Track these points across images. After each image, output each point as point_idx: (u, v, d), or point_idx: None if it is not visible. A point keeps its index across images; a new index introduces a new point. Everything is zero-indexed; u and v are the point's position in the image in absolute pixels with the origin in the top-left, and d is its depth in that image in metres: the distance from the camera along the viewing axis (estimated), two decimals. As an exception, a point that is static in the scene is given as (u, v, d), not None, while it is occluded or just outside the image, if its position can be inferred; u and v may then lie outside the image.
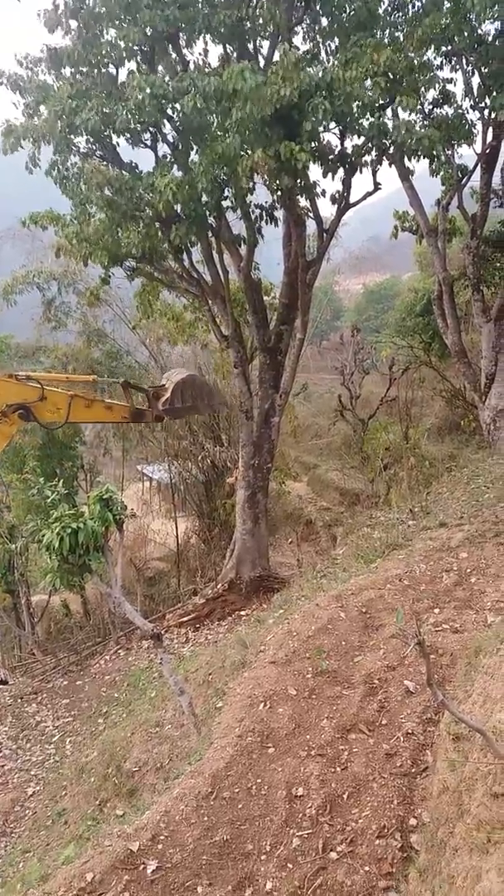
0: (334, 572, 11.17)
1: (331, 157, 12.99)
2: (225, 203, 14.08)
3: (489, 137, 16.10)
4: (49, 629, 23.42)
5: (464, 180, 17.00)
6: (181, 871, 4.75)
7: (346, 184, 14.16)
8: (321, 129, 11.78)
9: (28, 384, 8.76)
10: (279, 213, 15.09)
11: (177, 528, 24.90)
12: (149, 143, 13.78)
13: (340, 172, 13.45)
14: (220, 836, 4.99)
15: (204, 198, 12.49)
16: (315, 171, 13.76)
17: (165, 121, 13.23)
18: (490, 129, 15.97)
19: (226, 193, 13.44)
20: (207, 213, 13.55)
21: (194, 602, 16.10)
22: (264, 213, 14.81)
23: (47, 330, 24.07)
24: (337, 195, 14.44)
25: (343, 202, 14.52)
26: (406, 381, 28.45)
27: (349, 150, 13.17)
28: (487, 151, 16.27)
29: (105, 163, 13.14)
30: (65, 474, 20.39)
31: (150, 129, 13.45)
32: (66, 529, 6.78)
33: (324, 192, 14.28)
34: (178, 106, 11.77)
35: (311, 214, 14.88)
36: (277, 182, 12.64)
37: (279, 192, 13.81)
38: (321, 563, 13.58)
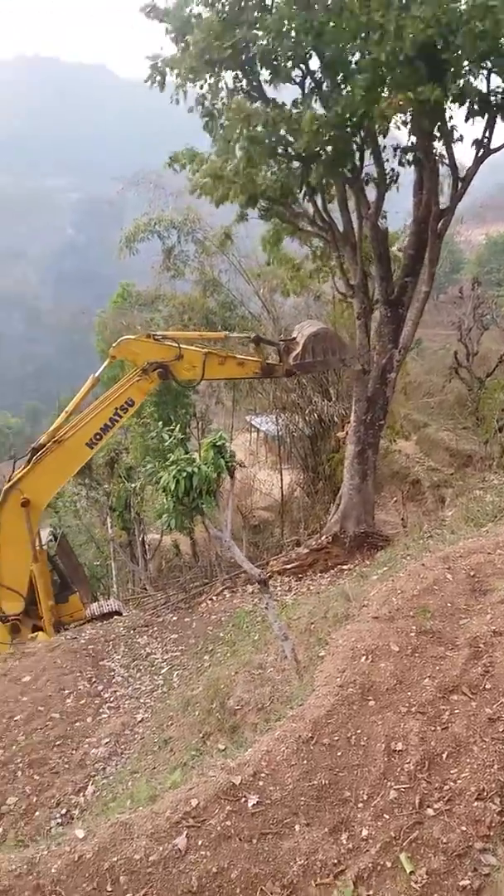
0: (442, 534, 10.98)
1: (476, 100, 12.13)
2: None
3: None
4: (160, 567, 24.61)
5: None
6: (280, 809, 4.96)
7: (490, 128, 13.21)
8: (465, 68, 10.97)
9: (166, 343, 9.04)
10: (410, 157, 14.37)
11: (282, 479, 25.20)
12: (296, 79, 13.33)
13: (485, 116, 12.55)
14: (318, 781, 5.16)
15: (345, 137, 12.08)
16: (457, 115, 12.82)
17: (312, 53, 12.72)
18: None
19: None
20: (347, 153, 13.10)
21: (298, 551, 16.32)
22: (401, 155, 14.14)
23: (166, 278, 24.57)
24: (478, 141, 13.53)
25: (484, 149, 13.58)
26: (529, 339, 26.95)
27: (500, 92, 12.22)
28: None
29: (249, 99, 12.94)
30: (179, 420, 21.03)
31: (299, 65, 13.00)
32: (181, 473, 7.03)
33: (461, 138, 13.43)
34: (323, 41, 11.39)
35: (446, 161, 14.06)
36: (415, 125, 11.99)
37: (415, 137, 13.11)
38: (428, 523, 13.37)
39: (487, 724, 5.49)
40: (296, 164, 13.65)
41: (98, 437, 11.17)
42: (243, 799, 5.05)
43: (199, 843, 4.76)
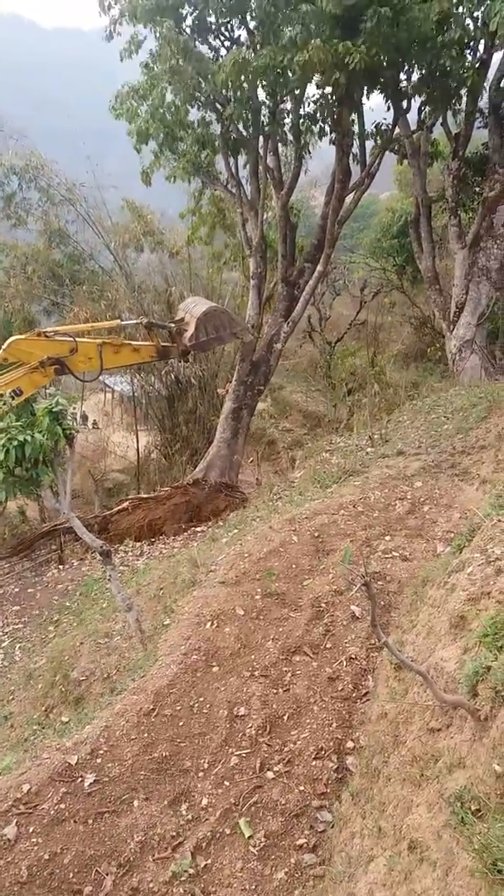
0: (290, 495, 11.17)
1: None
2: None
3: (480, 50, 15.17)
4: (3, 535, 23.28)
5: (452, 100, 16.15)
6: (118, 785, 4.80)
7: (396, 115, 14.93)
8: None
9: (59, 339, 8.66)
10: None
11: (137, 441, 24.63)
12: (226, 35, 14.33)
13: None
14: (158, 753, 5.04)
15: (261, 88, 13.21)
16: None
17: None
18: (482, 43, 14.99)
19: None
20: (263, 105, 14.20)
21: (158, 491, 16.49)
22: (317, 120, 15.19)
23: (6, 227, 22.87)
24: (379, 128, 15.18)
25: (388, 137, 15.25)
26: (376, 305, 28.02)
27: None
28: (477, 66, 15.34)
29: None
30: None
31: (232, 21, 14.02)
32: (11, 441, 6.50)
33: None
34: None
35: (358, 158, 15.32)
36: (331, 78, 12.47)
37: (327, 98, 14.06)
38: (278, 484, 13.59)
39: (327, 684, 5.62)
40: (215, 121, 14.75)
41: None
42: (80, 779, 4.83)
43: (31, 829, 4.49)
